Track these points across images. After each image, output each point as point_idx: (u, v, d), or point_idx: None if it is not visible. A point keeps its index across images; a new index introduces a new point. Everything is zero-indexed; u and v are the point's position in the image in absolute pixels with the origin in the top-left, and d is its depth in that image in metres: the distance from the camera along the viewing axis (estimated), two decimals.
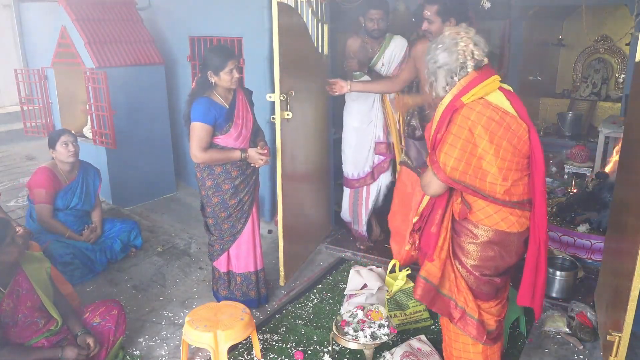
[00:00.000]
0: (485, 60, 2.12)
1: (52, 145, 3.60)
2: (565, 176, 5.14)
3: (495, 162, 2.07)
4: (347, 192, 4.13)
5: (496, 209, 2.16)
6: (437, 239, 2.29)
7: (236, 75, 2.94)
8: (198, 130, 2.90)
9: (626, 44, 6.09)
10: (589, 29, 6.33)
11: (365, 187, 4.04)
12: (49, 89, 4.87)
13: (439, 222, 2.28)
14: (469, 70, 2.10)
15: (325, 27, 3.97)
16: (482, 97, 2.08)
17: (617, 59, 6.60)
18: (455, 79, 2.11)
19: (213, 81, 2.94)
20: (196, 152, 2.92)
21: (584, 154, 5.12)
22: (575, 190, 4.65)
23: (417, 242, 2.38)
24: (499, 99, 2.12)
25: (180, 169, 5.22)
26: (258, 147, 3.06)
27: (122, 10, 4.76)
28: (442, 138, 2.11)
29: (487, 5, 3.09)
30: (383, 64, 3.80)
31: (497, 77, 2.12)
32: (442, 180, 2.12)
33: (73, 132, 4.85)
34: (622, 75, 6.43)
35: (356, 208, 4.10)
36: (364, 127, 3.92)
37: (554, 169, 5.44)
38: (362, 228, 4.13)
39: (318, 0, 3.83)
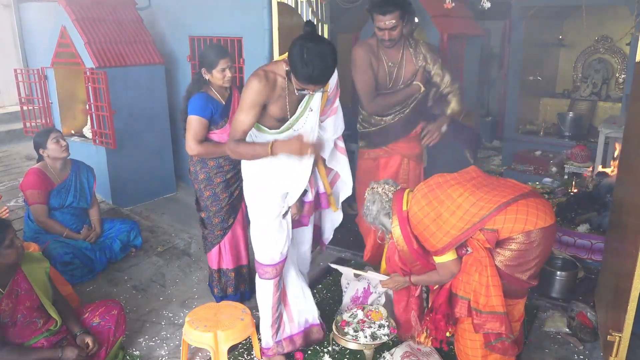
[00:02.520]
0: (398, 187, 2.65)
1: (42, 144, 3.59)
2: (566, 176, 5.13)
3: (459, 203, 2.32)
4: (268, 287, 2.70)
5: (514, 210, 2.27)
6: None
7: (228, 74, 3.03)
8: (195, 123, 2.99)
9: (626, 44, 6.09)
10: (589, 29, 6.32)
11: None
12: (49, 89, 4.87)
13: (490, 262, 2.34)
14: (391, 196, 2.59)
15: (325, 27, 3.97)
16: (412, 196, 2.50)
17: (617, 59, 6.59)
18: (388, 208, 2.58)
19: (207, 78, 3.05)
20: (191, 144, 3.01)
21: (584, 154, 5.11)
22: (575, 190, 4.64)
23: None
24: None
25: (180, 169, 5.22)
26: None
27: (122, 10, 4.76)
28: (421, 241, 2.44)
29: (487, 5, 3.09)
30: (311, 110, 2.45)
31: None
32: (456, 243, 2.32)
33: (73, 132, 4.93)
34: (622, 75, 6.42)
35: (281, 308, 2.81)
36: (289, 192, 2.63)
37: (554, 169, 5.44)
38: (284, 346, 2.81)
39: (318, 0, 3.83)
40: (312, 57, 2.15)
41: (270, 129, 2.47)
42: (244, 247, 3.38)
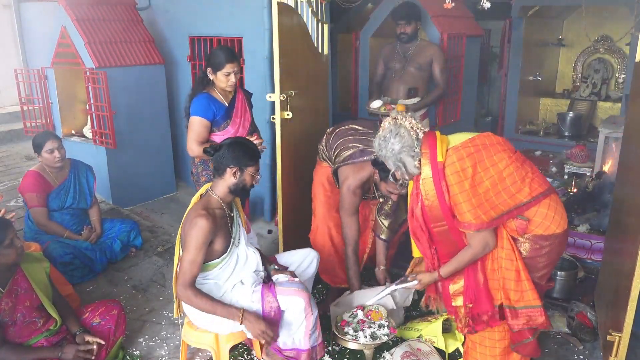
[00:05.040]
0: (426, 128, 2.34)
1: (37, 151, 3.58)
2: (565, 176, 5.14)
3: (503, 176, 2.17)
4: (297, 301, 2.50)
5: (546, 205, 2.20)
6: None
7: (232, 79, 3.02)
8: (196, 124, 2.98)
9: (626, 44, 6.10)
10: (589, 29, 6.34)
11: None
12: (49, 89, 4.86)
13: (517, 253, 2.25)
14: (421, 136, 2.24)
15: (325, 27, 3.97)
16: (448, 148, 2.22)
17: (617, 59, 6.60)
18: (417, 150, 2.22)
19: (211, 78, 3.04)
20: (192, 146, 3.00)
21: (584, 154, 5.11)
22: (575, 190, 4.65)
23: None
24: (457, 138, 2.27)
25: (180, 169, 5.22)
26: (247, 137, 3.08)
27: (122, 10, 4.76)
28: (452, 202, 2.19)
29: (487, 5, 3.09)
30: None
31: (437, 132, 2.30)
32: (487, 227, 2.16)
33: (73, 132, 4.93)
34: (622, 75, 6.44)
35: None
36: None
37: (554, 169, 5.44)
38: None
39: (318, 0, 3.83)
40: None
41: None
42: None
